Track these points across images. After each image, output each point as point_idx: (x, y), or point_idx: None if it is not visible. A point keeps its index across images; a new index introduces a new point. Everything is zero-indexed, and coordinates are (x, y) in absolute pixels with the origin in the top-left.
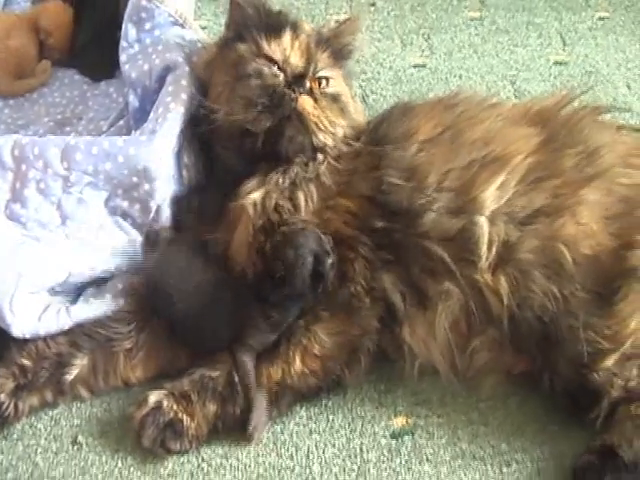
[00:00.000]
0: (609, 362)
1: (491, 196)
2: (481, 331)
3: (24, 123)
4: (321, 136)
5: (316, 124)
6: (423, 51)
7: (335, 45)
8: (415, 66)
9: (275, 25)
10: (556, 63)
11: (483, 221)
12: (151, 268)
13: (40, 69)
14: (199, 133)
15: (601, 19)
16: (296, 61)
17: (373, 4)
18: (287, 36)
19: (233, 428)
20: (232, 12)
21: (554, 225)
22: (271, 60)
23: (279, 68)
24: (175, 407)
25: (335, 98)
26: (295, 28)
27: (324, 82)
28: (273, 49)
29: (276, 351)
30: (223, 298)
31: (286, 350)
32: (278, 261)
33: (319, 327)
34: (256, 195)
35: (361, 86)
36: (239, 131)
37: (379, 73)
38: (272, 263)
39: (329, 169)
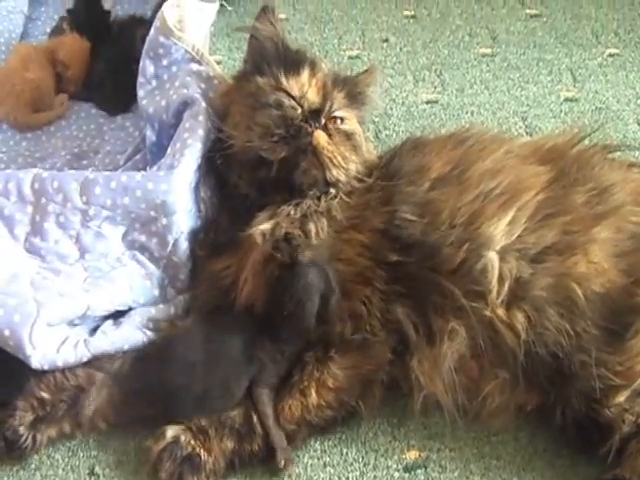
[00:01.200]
0: (621, 398)
1: (501, 232)
2: (492, 375)
3: (41, 156)
4: (334, 171)
5: (330, 159)
6: (435, 87)
7: (351, 89)
8: (427, 102)
9: (294, 62)
10: (567, 100)
11: (493, 255)
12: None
13: (57, 102)
14: (215, 166)
15: (611, 56)
16: (313, 97)
17: (386, 40)
18: (305, 73)
19: (250, 463)
20: (250, 46)
21: (566, 263)
22: (289, 95)
23: (297, 103)
24: (193, 442)
25: (349, 136)
26: (313, 66)
27: (339, 121)
28: (291, 85)
29: (292, 384)
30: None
31: (301, 382)
32: (287, 298)
33: (332, 362)
34: (265, 226)
35: (374, 122)
36: (255, 159)
37: (392, 109)
38: (281, 299)
39: (340, 204)
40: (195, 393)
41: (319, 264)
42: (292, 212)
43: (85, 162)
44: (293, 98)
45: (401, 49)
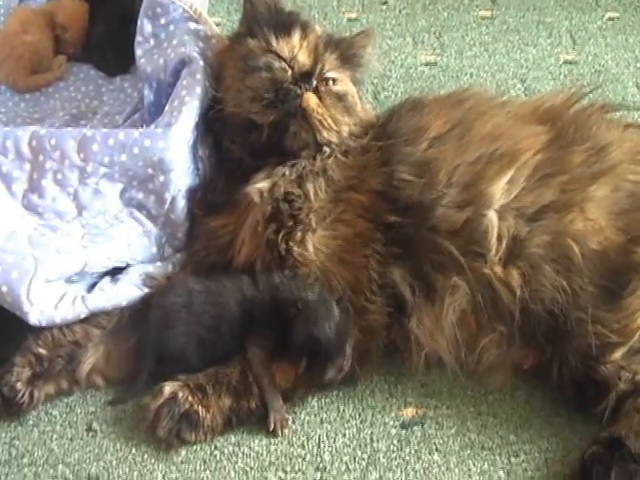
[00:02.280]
0: (617, 355)
1: (500, 190)
2: (489, 329)
3: (40, 117)
4: (325, 133)
5: (320, 121)
6: (434, 49)
7: (344, 50)
8: (426, 64)
9: (285, 24)
10: (566, 62)
11: (492, 214)
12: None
13: (56, 64)
14: (212, 127)
15: (611, 19)
16: (304, 59)
17: (385, 2)
18: (296, 35)
19: (247, 421)
20: (245, 9)
21: (563, 221)
22: (279, 57)
23: (287, 65)
24: (190, 398)
25: (340, 97)
26: (305, 28)
27: (331, 82)
28: (281, 46)
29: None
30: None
31: None
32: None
33: None
34: (262, 184)
35: (373, 83)
36: (245, 123)
37: (391, 70)
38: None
39: (337, 163)
40: (190, 312)
41: (346, 325)
42: (287, 173)
43: (83, 122)
44: (283, 60)
45: (400, 11)
